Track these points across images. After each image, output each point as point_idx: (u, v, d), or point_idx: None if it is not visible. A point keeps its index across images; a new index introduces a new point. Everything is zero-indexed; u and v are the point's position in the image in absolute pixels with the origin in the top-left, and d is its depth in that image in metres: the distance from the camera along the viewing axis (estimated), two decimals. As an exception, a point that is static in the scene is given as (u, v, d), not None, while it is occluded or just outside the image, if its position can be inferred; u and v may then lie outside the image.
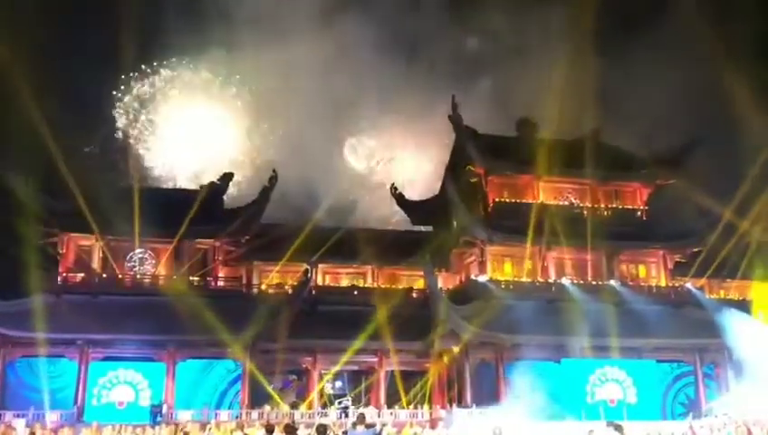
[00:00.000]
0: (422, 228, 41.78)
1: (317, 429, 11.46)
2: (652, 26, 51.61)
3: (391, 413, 30.40)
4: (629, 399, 31.68)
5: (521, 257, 34.87)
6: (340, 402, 31.33)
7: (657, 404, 32.72)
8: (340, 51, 56.77)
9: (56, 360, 29.91)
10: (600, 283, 34.99)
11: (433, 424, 28.65)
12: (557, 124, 39.74)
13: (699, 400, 33.22)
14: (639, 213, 37.66)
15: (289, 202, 46.09)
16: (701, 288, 36.46)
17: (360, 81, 56.39)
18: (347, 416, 27.89)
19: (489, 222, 34.73)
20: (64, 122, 34.87)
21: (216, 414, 29.14)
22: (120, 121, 58.63)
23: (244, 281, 36.02)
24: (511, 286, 34.05)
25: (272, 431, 13.40)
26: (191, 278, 33.56)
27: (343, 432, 17.01)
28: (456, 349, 32.08)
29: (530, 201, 35.99)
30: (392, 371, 33.18)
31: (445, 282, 36.47)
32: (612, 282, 35.09)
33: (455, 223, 34.94)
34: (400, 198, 42.73)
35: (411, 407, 31.64)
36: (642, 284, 36.17)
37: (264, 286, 35.88)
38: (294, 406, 31.40)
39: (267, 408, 30.01)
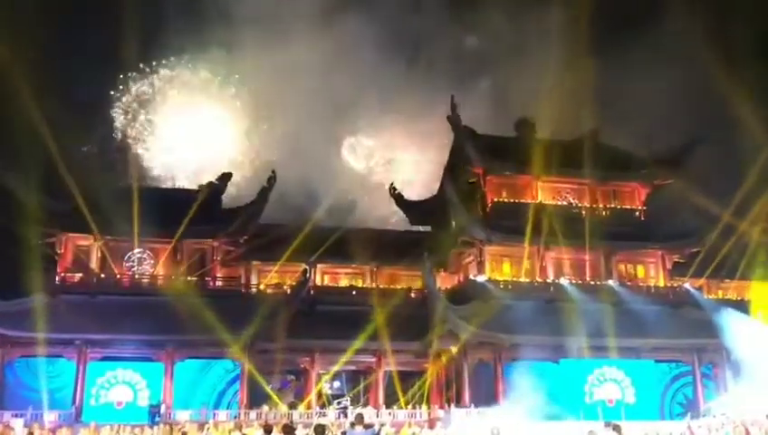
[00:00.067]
0: (421, 228, 41.77)
1: (315, 429, 11.46)
2: (651, 26, 51.65)
3: (390, 413, 30.42)
4: (628, 399, 31.70)
5: (519, 257, 34.87)
6: (339, 403, 31.33)
7: (655, 404, 32.75)
8: (340, 51, 56.80)
9: (54, 360, 29.90)
10: (598, 283, 35.01)
11: (431, 424, 28.66)
12: (556, 124, 39.81)
13: (697, 400, 33.25)
14: (638, 213, 37.68)
15: (288, 202, 46.13)
16: (699, 288, 36.47)
17: (359, 81, 56.43)
18: (346, 416, 27.88)
19: (488, 222, 34.74)
20: (63, 122, 34.81)
21: (215, 414, 29.13)
22: (119, 121, 58.67)
23: (243, 281, 36.02)
24: (509, 286, 34.05)
25: (270, 431, 13.37)
26: (189, 278, 33.53)
27: (342, 433, 17.00)
28: (454, 349, 32.09)
29: (528, 201, 36.00)
30: (391, 371, 33.20)
31: (443, 282, 36.47)
32: (611, 282, 35.11)
33: (453, 223, 34.94)
34: (399, 198, 42.73)
35: (410, 407, 31.64)
36: (640, 284, 36.18)
37: (262, 286, 35.86)
38: (293, 406, 31.39)
39: (265, 408, 30.02)
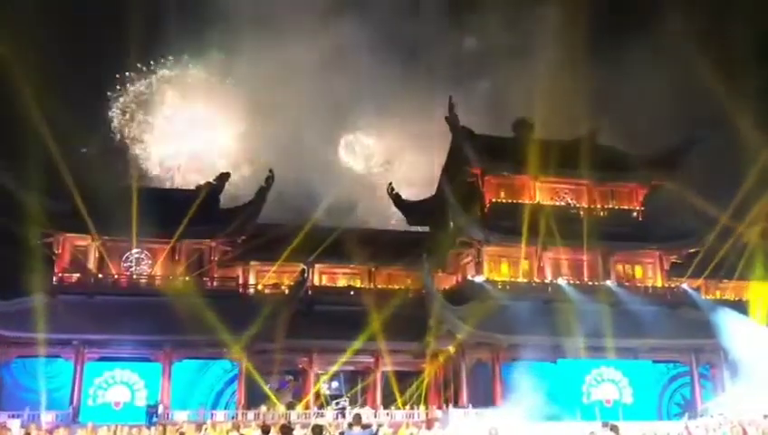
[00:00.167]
0: (419, 229, 41.77)
1: (313, 429, 11.46)
2: (649, 27, 51.73)
3: (388, 414, 30.44)
4: (625, 399, 31.74)
5: (517, 258, 34.88)
6: (337, 403, 31.32)
7: (653, 404, 32.77)
8: (338, 52, 56.85)
9: (52, 360, 29.80)
10: (596, 283, 35.02)
11: (429, 425, 28.69)
12: (554, 125, 39.86)
13: (695, 400, 33.30)
14: (636, 213, 37.71)
15: (286, 202, 46.11)
16: (697, 289, 36.51)
17: (357, 82, 56.48)
18: (344, 417, 27.88)
19: (486, 223, 34.74)
20: (61, 122, 34.73)
21: (212, 414, 29.11)
22: (117, 121, 58.61)
23: (241, 281, 35.96)
24: (507, 287, 34.04)
25: (268, 432, 13.35)
26: (187, 278, 33.47)
27: (340, 433, 16.98)
28: (452, 349, 32.10)
29: (526, 202, 35.98)
30: (389, 371, 33.19)
31: (441, 282, 36.45)
32: (608, 282, 35.12)
33: (451, 223, 34.93)
34: (397, 199, 42.73)
35: (407, 407, 31.63)
36: (638, 284, 36.20)
37: (260, 286, 35.84)
38: (290, 406, 31.36)
39: (263, 408, 30.01)
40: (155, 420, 27.43)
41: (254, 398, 30.95)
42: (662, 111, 49.58)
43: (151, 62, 59.14)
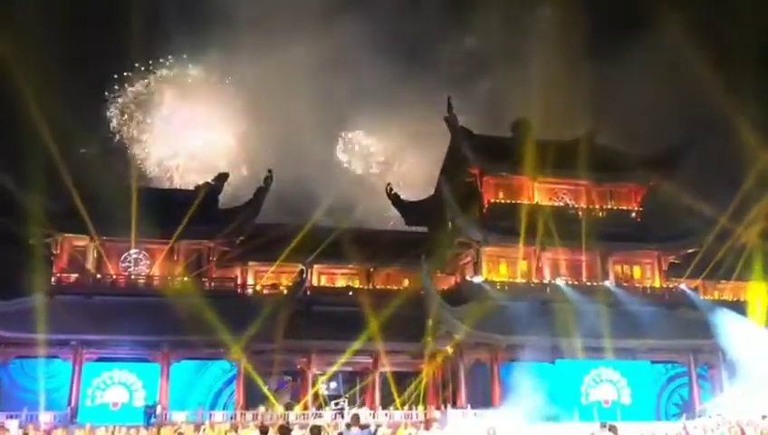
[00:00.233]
0: (418, 229, 41.76)
1: (311, 430, 11.46)
2: (647, 28, 51.72)
3: (386, 414, 30.44)
4: (624, 399, 31.77)
5: (516, 258, 34.89)
6: (336, 404, 31.33)
7: (651, 405, 32.79)
8: (337, 52, 56.81)
9: (50, 360, 29.75)
10: (594, 284, 35.03)
11: (427, 425, 28.68)
12: (553, 125, 39.85)
13: (693, 400, 33.32)
14: (634, 214, 37.72)
15: (285, 203, 46.08)
16: (695, 289, 36.54)
17: (356, 82, 56.43)
18: (342, 417, 27.87)
19: (484, 223, 34.74)
20: (60, 122, 34.70)
21: (211, 415, 29.10)
22: (116, 121, 58.53)
23: (239, 281, 35.94)
24: (506, 287, 34.05)
25: (266, 432, 13.35)
26: (186, 279, 33.44)
27: (338, 433, 17.01)
28: (450, 350, 32.11)
29: (525, 202, 35.98)
30: (387, 371, 33.19)
31: (440, 283, 36.45)
32: (607, 283, 35.14)
33: (450, 224, 34.91)
34: (396, 199, 42.73)
35: (406, 408, 31.62)
36: (636, 284, 36.22)
37: (259, 287, 35.82)
38: (289, 407, 31.37)
39: (262, 409, 30.00)
40: (153, 420, 27.41)
41: (253, 398, 30.93)
42: (661, 112, 49.62)
43: (150, 62, 59.09)
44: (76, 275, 32.77)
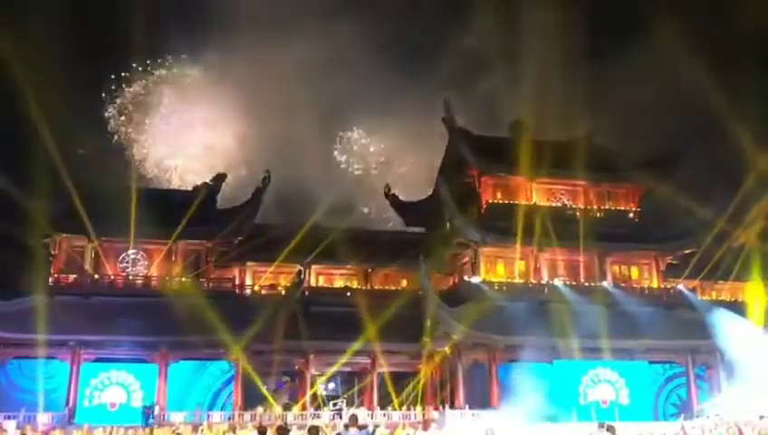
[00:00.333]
0: (416, 230, 41.77)
1: (309, 430, 11.43)
2: (645, 29, 51.77)
3: (384, 414, 30.44)
4: (622, 400, 31.78)
5: (514, 259, 34.92)
6: (334, 404, 31.35)
7: (649, 405, 32.82)
8: (336, 52, 56.81)
9: (48, 361, 29.72)
10: (592, 284, 35.06)
11: (425, 426, 28.67)
12: (551, 126, 39.88)
13: (691, 401, 33.36)
14: (632, 214, 37.77)
15: (283, 203, 46.08)
16: (693, 290, 36.58)
17: (355, 82, 56.40)
18: (340, 418, 27.86)
19: (482, 223, 34.75)
20: (58, 123, 34.68)
21: (209, 416, 29.09)
22: (114, 122, 58.49)
23: (238, 282, 35.94)
24: (504, 288, 34.09)
25: (264, 433, 13.37)
26: (184, 279, 33.43)
27: (336, 434, 17.00)
28: (448, 350, 32.12)
29: (523, 202, 36.01)
30: (385, 372, 33.18)
31: (438, 283, 36.41)
32: (605, 283, 35.17)
33: (448, 224, 34.94)
34: (394, 200, 42.73)
35: (404, 408, 31.63)
36: (634, 285, 36.26)
37: (257, 287, 35.82)
38: (287, 407, 31.37)
39: (260, 409, 29.99)
40: (151, 421, 27.38)
41: (251, 399, 30.92)
42: (659, 112, 49.69)
43: (148, 63, 59.08)
44: (74, 276, 32.76)
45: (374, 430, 15.95)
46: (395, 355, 32.86)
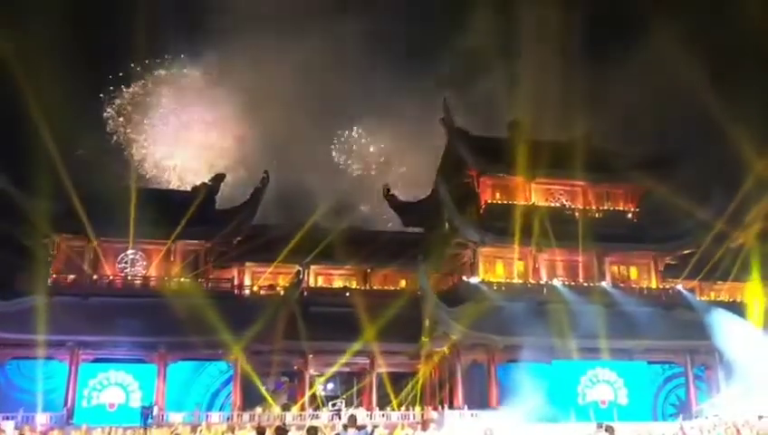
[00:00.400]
0: (415, 230, 41.77)
1: (308, 431, 11.44)
2: (645, 29, 51.81)
3: (383, 415, 30.43)
4: (621, 400, 31.76)
5: (512, 259, 34.92)
6: (333, 404, 31.34)
7: (648, 405, 32.82)
8: (335, 53, 56.83)
9: (46, 361, 29.67)
10: (591, 284, 35.05)
11: (424, 426, 28.64)
12: (549, 126, 39.89)
13: (690, 401, 33.36)
14: (630, 215, 37.79)
15: (282, 203, 46.07)
16: (692, 290, 36.60)
17: (354, 83, 56.44)
18: (339, 418, 27.86)
19: (481, 224, 34.74)
20: (57, 123, 34.65)
21: (208, 416, 29.07)
22: (112, 122, 58.46)
23: (236, 282, 35.94)
24: (502, 288, 34.08)
25: (263, 433, 13.37)
26: (183, 279, 33.41)
27: (335, 434, 17.00)
28: (447, 350, 32.12)
29: (522, 203, 36.03)
30: (384, 372, 33.18)
31: (437, 283, 36.40)
32: (603, 283, 35.18)
33: (447, 224, 34.94)
34: (393, 200, 42.72)
35: (403, 408, 31.63)
36: (633, 285, 36.24)
37: (256, 288, 35.80)
38: (286, 408, 31.37)
39: (258, 410, 29.98)
40: (150, 421, 27.34)
41: (250, 399, 30.91)
42: (659, 112, 49.70)
43: (147, 63, 59.06)
44: (73, 276, 32.71)
45: (373, 431, 15.94)
46: (394, 355, 32.86)
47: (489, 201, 36.47)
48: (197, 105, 58.85)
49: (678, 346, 33.44)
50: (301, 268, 33.70)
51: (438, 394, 33.33)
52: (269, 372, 32.13)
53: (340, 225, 37.89)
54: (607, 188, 37.97)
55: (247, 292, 35.43)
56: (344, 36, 56.43)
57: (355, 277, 37.86)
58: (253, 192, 35.88)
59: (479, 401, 30.73)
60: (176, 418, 28.44)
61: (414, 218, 41.17)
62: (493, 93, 54.91)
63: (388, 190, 42.99)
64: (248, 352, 30.41)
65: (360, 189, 59.37)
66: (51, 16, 44.77)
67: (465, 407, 30.00)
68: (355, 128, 62.81)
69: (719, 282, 38.04)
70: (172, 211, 32.55)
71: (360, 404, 33.46)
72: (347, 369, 34.21)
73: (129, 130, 58.43)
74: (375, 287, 37.50)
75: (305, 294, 34.96)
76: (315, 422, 26.12)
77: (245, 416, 29.01)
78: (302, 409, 31.25)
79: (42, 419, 27.50)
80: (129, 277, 33.59)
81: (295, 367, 33.22)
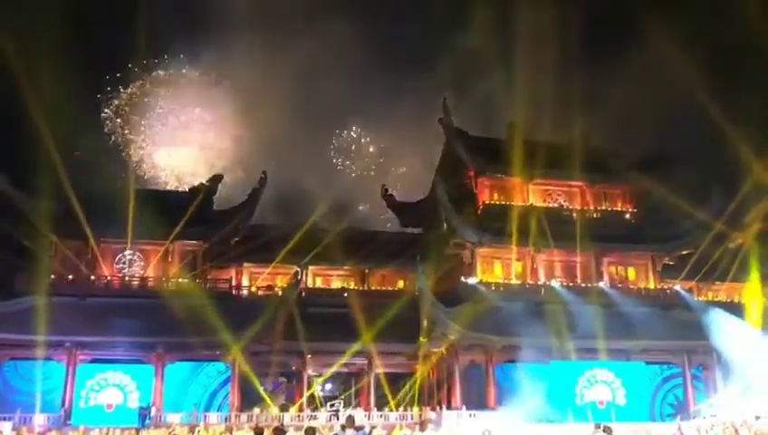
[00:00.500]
0: (413, 230, 41.78)
1: (306, 432, 11.42)
2: (643, 29, 51.87)
3: (381, 415, 30.41)
4: (618, 400, 31.77)
5: (510, 259, 34.95)
6: (331, 405, 31.32)
7: (645, 406, 32.84)
8: (335, 53, 56.87)
9: (44, 362, 29.61)
10: (588, 285, 35.09)
11: (423, 426, 28.62)
12: (548, 127, 39.92)
13: (688, 401, 33.39)
14: (628, 215, 37.83)
15: (279, 204, 46.08)
16: (690, 290, 36.64)
17: (353, 83, 56.48)
18: (337, 419, 27.84)
19: (479, 224, 34.76)
20: (55, 124, 34.61)
21: (205, 417, 29.04)
22: (110, 123, 58.44)
23: (234, 283, 35.91)
24: (500, 288, 34.11)
25: (261, 434, 13.34)
26: (180, 280, 33.37)
27: (332, 435, 16.98)
28: (445, 351, 32.12)
29: (519, 203, 36.06)
30: (382, 373, 33.17)
31: (435, 284, 36.41)
32: (601, 284, 35.21)
33: (445, 225, 34.95)
34: (391, 200, 42.73)
35: (401, 409, 31.62)
36: (631, 286, 36.29)
37: (254, 288, 35.77)
38: (284, 408, 31.35)
39: (256, 410, 29.95)
40: (147, 422, 27.34)
41: (248, 400, 30.88)
42: (657, 112, 49.78)
43: (145, 63, 59.05)
44: (71, 277, 32.64)
45: (371, 431, 15.94)
46: (392, 356, 32.86)
47: (487, 202, 36.50)
48: (196, 106, 58.86)
49: (676, 346, 33.47)
50: (299, 269, 33.70)
51: (436, 395, 33.33)
52: (267, 372, 32.11)
53: (339, 225, 37.88)
54: (605, 189, 38.02)
55: (245, 292, 35.39)
56: (343, 37, 56.47)
57: (353, 278, 37.84)
58: (251, 193, 35.86)
59: (477, 401, 30.73)
60: (173, 418, 28.40)
61: (412, 219, 41.18)
62: (491, 94, 55.06)
63: (387, 191, 43.00)
64: (246, 352, 30.38)
65: (359, 190, 59.45)
66: (49, 17, 44.77)
67: (463, 407, 30.00)
68: (353, 128, 62.88)
69: (717, 282, 38.06)
70: (170, 212, 32.51)
71: (358, 405, 33.45)
72: (345, 369, 34.20)
73: (127, 131, 58.43)
74: (373, 288, 37.49)
75: (303, 294, 34.95)
76: (313, 423, 26.09)
77: (243, 417, 28.97)
78: (301, 409, 31.22)
79: (39, 420, 27.45)
80: (127, 278, 33.53)
81: (293, 367, 33.19)
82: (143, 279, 33.54)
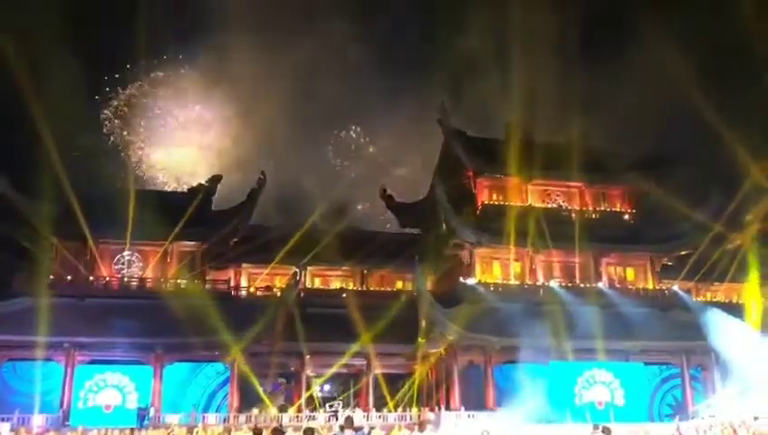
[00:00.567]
0: (412, 231, 41.77)
1: (305, 432, 11.42)
2: (642, 30, 51.91)
3: (380, 416, 30.41)
4: (617, 401, 31.80)
5: (509, 260, 34.95)
6: (331, 406, 31.31)
7: (644, 406, 32.85)
8: (334, 53, 56.90)
9: (42, 363, 29.59)
10: (587, 285, 35.10)
11: (421, 427, 28.57)
12: (547, 127, 39.95)
13: (686, 402, 33.40)
14: (627, 216, 37.85)
15: (278, 204, 46.07)
16: (688, 291, 36.65)
17: (352, 84, 56.50)
18: (336, 419, 27.84)
19: (478, 225, 34.78)
20: (53, 124, 34.60)
21: (204, 417, 29.02)
22: (109, 123, 58.42)
23: (233, 283, 35.90)
24: (499, 289, 34.12)
25: (259, 435, 13.35)
26: (179, 281, 33.36)
27: (331, 436, 16.98)
28: (444, 351, 32.12)
29: (518, 204, 36.07)
30: (381, 373, 33.17)
31: (433, 284, 36.48)
32: (600, 284, 35.23)
33: (443, 225, 34.96)
34: (390, 201, 42.73)
35: (400, 410, 31.63)
36: (629, 286, 36.30)
37: (252, 289, 35.76)
38: (283, 409, 31.34)
39: (255, 411, 29.93)
40: (146, 422, 27.32)
41: (247, 401, 30.87)
42: (656, 113, 49.78)
43: (144, 64, 59.05)
44: (69, 277, 32.62)
45: (370, 432, 15.96)
46: (391, 357, 32.86)
47: (486, 202, 36.51)
48: (194, 106, 58.85)
49: (675, 347, 33.48)
50: (298, 269, 33.73)
51: (435, 395, 33.35)
52: (266, 373, 32.08)
53: (338, 226, 37.87)
54: (603, 189, 38.05)
55: (244, 293, 35.37)
56: (342, 37, 56.51)
57: (352, 278, 37.83)
58: (249, 193, 35.85)
59: (476, 402, 30.72)
60: (172, 419, 28.37)
61: (411, 219, 41.16)
62: (490, 94, 55.07)
63: (385, 191, 42.99)
64: (245, 353, 30.35)
65: (357, 190, 59.44)
66: (49, 17, 44.76)
67: (462, 408, 30.00)
68: (353, 128, 62.90)
69: (716, 283, 38.06)
70: (169, 212, 32.50)
71: (356, 405, 33.45)
72: (344, 370, 34.18)
73: (125, 132, 58.43)
74: (372, 288, 37.48)
75: (302, 295, 34.92)
76: (312, 424, 26.11)
77: (242, 417, 28.95)
78: (299, 410, 31.21)
79: (38, 420, 27.42)
80: (126, 279, 33.52)
81: (292, 368, 33.18)
82: (142, 280, 33.53)
